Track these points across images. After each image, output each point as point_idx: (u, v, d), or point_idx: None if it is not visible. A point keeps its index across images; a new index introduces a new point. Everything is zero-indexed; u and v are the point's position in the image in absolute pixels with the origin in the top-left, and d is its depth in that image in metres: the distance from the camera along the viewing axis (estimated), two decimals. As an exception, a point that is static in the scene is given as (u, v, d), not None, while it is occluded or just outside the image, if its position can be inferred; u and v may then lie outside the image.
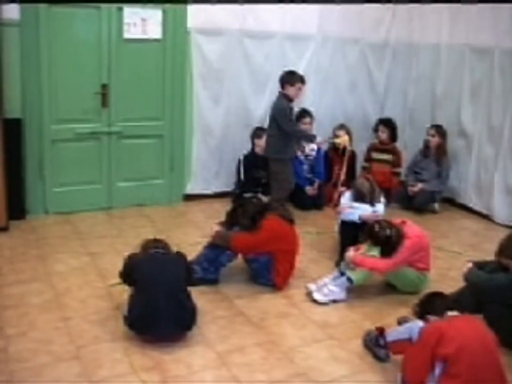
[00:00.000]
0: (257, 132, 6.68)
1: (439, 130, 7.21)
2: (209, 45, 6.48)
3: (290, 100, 6.06)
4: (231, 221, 4.83)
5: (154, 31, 6.19)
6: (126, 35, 6.05)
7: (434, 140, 7.18)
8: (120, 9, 5.95)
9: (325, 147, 7.07)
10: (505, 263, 4.11)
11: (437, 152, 7.19)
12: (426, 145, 7.28)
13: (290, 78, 6.04)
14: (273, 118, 6.04)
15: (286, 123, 5.97)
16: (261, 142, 6.54)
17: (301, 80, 6.10)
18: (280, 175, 6.10)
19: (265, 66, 6.86)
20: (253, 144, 6.71)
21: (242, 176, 6.64)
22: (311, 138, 6.35)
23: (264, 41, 6.77)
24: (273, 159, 6.15)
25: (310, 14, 6.91)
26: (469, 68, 7.18)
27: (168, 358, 3.71)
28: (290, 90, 6.03)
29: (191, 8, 6.24)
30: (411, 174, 7.33)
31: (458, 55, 7.28)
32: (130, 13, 6.00)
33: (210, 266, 4.67)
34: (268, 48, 6.82)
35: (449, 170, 7.29)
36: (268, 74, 6.88)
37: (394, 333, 3.73)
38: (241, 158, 6.72)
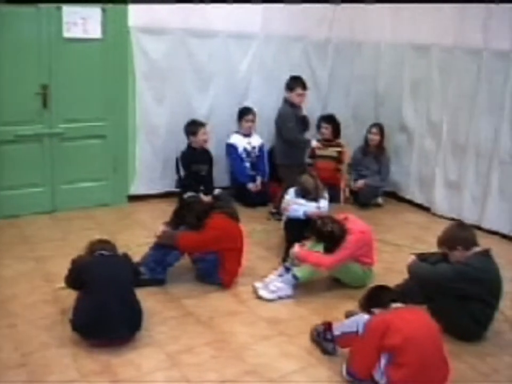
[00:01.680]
0: (192, 128, 6.59)
1: (380, 128, 7.37)
2: (152, 44, 6.42)
3: (292, 105, 6.14)
4: (177, 221, 4.82)
5: (95, 30, 6.10)
6: (66, 34, 5.94)
7: (375, 139, 7.33)
8: (59, 8, 5.84)
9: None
10: (446, 254, 4.25)
11: (376, 149, 7.35)
12: (367, 143, 7.42)
13: (291, 83, 6.18)
14: (275, 124, 6.18)
15: (283, 128, 6.11)
16: (198, 138, 6.54)
17: (302, 85, 6.19)
18: (286, 182, 6.15)
19: (209, 65, 6.85)
20: (189, 139, 6.62)
21: (182, 173, 6.59)
22: (306, 144, 6.37)
23: (208, 40, 6.76)
24: (278, 165, 6.34)
25: (253, 12, 6.94)
26: (409, 65, 7.35)
27: (118, 361, 3.67)
28: (292, 96, 6.17)
29: (133, 7, 6.17)
30: (353, 170, 7.46)
31: (399, 53, 7.44)
32: (70, 12, 5.89)
33: (158, 267, 4.65)
34: (212, 47, 6.81)
35: (389, 166, 7.46)
36: (212, 73, 6.89)
37: (341, 327, 3.79)
38: (179, 155, 6.64)
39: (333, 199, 6.19)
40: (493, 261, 4.19)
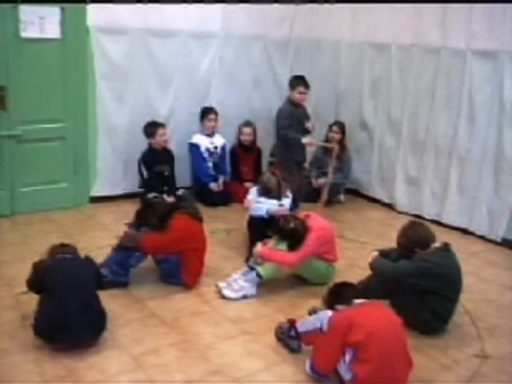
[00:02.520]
0: (150, 130, 6.55)
1: (341, 127, 7.42)
2: (111, 44, 6.36)
3: (294, 103, 6.19)
4: (139, 222, 4.79)
5: (53, 30, 6.01)
6: (23, 34, 5.83)
7: (337, 137, 7.38)
8: (16, 7, 5.73)
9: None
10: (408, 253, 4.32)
11: (338, 148, 7.39)
12: (328, 141, 7.44)
13: (293, 81, 6.25)
14: (275, 122, 6.29)
15: (278, 124, 6.23)
16: (157, 139, 6.51)
17: (304, 84, 6.23)
18: (288, 181, 6.14)
19: (170, 64, 6.82)
20: (148, 140, 6.58)
21: (145, 175, 6.55)
22: (295, 141, 6.26)
23: (168, 40, 6.72)
24: (277, 162, 6.38)
25: (214, 12, 6.93)
26: (368, 64, 7.44)
27: (82, 365, 3.63)
28: (293, 94, 6.23)
29: (92, 6, 6.09)
30: (314, 169, 7.50)
31: (359, 52, 7.52)
32: (27, 11, 5.79)
33: (120, 269, 4.61)
34: (172, 47, 6.78)
35: (351, 164, 7.54)
36: (172, 72, 6.86)
37: (305, 324, 3.82)
38: (140, 156, 6.58)
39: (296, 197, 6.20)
40: (452, 255, 4.27)
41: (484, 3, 5.93)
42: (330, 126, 7.46)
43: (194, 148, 7.01)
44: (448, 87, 6.48)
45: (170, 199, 6.21)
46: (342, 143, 7.37)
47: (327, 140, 7.45)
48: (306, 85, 6.32)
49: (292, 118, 6.24)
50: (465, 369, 3.87)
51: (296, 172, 6.42)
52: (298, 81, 6.29)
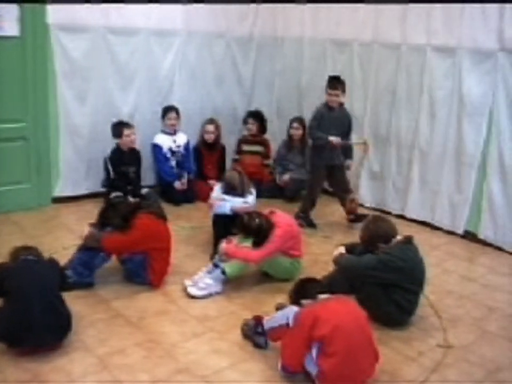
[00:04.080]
0: (116, 130, 6.50)
1: (301, 122, 7.45)
2: (72, 42, 6.28)
3: (328, 105, 6.08)
4: (103, 222, 4.73)
5: (12, 27, 5.91)
6: (-20, 32, 5.74)
7: (298, 133, 7.42)
8: (-29, 5, 5.64)
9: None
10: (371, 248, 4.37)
11: (300, 143, 7.45)
12: (291, 138, 7.50)
13: (327, 83, 6.09)
14: None
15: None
16: (124, 139, 6.47)
17: (331, 85, 6.06)
18: (309, 181, 6.31)
19: (131, 63, 6.77)
20: (115, 140, 6.53)
21: (112, 174, 6.49)
22: (321, 140, 6.06)
23: (130, 38, 6.68)
24: (310, 163, 6.36)
25: (175, 9, 6.91)
26: (331, 60, 7.47)
27: (46, 368, 3.59)
28: (326, 96, 6.09)
29: (52, 4, 6.00)
30: (278, 165, 7.53)
31: (321, 48, 7.56)
32: (-17, 9, 5.70)
33: (85, 270, 4.56)
34: (133, 45, 6.73)
35: None
36: (134, 71, 6.82)
37: (271, 320, 3.83)
38: (107, 156, 6.52)
39: (260, 194, 6.20)
40: (415, 248, 4.34)
41: (442, 3, 6.03)
42: (291, 122, 7.49)
43: (156, 148, 6.97)
44: (409, 83, 6.56)
45: (133, 198, 6.15)
46: (303, 139, 7.41)
47: (289, 136, 7.49)
48: (333, 86, 6.04)
49: (323, 120, 6.07)
50: (429, 360, 3.93)
51: (323, 176, 6.30)
52: (328, 82, 6.10)
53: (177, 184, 6.94)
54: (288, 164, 7.44)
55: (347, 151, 6.35)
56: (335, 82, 6.07)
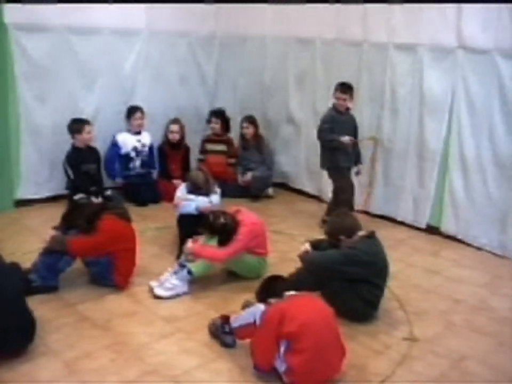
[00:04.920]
0: (76, 126, 6.40)
1: (251, 120, 7.48)
2: (32, 43, 6.19)
3: (336, 109, 6.06)
4: (67, 224, 4.68)
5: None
6: None
7: (250, 132, 7.45)
8: None
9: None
10: (334, 241, 4.42)
11: (255, 141, 7.47)
12: (244, 138, 7.53)
13: (335, 88, 6.05)
14: None
15: (318, 130, 6.07)
16: (84, 136, 6.39)
17: (340, 88, 6.04)
18: (335, 184, 6.20)
19: (93, 63, 6.69)
20: (73, 138, 6.43)
21: (71, 176, 6.41)
22: (332, 143, 6.02)
23: (91, 37, 6.60)
24: (326, 169, 6.26)
25: (137, 8, 6.83)
26: (294, 58, 7.50)
27: (12, 375, 3.53)
28: (334, 100, 6.07)
29: (9, 2, 5.90)
30: (238, 165, 7.54)
31: (284, 46, 7.58)
32: None
33: (49, 273, 4.50)
34: (95, 44, 6.65)
35: (272, 155, 7.63)
36: (97, 71, 6.74)
37: (238, 319, 3.84)
38: (64, 160, 6.42)
39: (225, 193, 6.19)
40: (378, 243, 4.39)
41: (402, 3, 6.11)
42: (241, 122, 7.52)
43: (114, 147, 6.93)
44: (371, 80, 6.63)
45: (98, 199, 6.09)
46: (258, 136, 7.45)
47: (242, 136, 7.54)
48: (343, 90, 6.04)
49: (334, 123, 6.05)
50: (396, 353, 3.98)
51: (348, 177, 6.26)
52: (338, 86, 6.07)
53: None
54: (248, 163, 7.45)
55: (357, 156, 6.31)
56: (345, 87, 6.06)
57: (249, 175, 7.30)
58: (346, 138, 5.96)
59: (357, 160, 6.33)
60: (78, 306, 4.40)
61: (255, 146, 7.47)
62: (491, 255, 5.80)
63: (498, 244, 5.82)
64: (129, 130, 7.00)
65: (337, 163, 6.15)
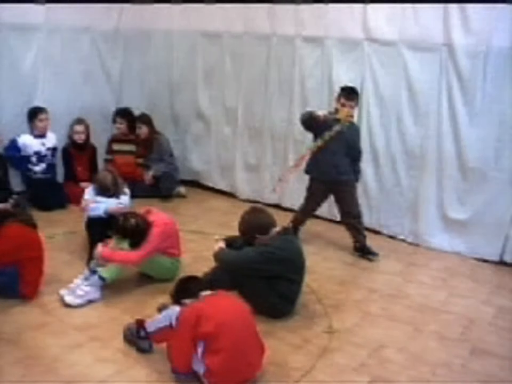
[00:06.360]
0: None
1: (143, 120, 7.36)
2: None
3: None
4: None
5: None
6: None
7: (143, 131, 7.33)
8: None
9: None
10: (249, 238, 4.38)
11: (145, 141, 7.35)
12: (139, 137, 7.39)
13: (338, 93, 5.55)
14: None
15: None
16: None
17: (344, 95, 5.47)
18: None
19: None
20: None
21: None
22: (308, 115, 5.45)
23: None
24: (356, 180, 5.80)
25: (35, 2, 6.50)
26: (202, 53, 7.41)
27: None
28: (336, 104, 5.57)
29: None
30: (140, 166, 7.37)
31: (191, 41, 7.47)
32: None
33: (-51, 287, 4.22)
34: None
35: (166, 150, 7.42)
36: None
37: (154, 322, 3.74)
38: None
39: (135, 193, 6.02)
40: (292, 239, 4.41)
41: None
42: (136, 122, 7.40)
43: (12, 149, 6.57)
44: (281, 73, 6.66)
45: (2, 205, 5.78)
46: (149, 135, 7.32)
47: (136, 136, 7.42)
48: (347, 97, 5.46)
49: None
50: (316, 346, 4.00)
51: (320, 193, 5.86)
52: (340, 91, 5.55)
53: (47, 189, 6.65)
54: (148, 162, 7.31)
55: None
56: (349, 92, 5.50)
57: (149, 174, 7.18)
58: (319, 112, 5.43)
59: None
60: (-18, 321, 4.15)
61: (146, 144, 7.32)
62: (404, 243, 5.95)
63: (410, 232, 5.97)
64: (32, 133, 6.65)
65: (310, 171, 5.78)
